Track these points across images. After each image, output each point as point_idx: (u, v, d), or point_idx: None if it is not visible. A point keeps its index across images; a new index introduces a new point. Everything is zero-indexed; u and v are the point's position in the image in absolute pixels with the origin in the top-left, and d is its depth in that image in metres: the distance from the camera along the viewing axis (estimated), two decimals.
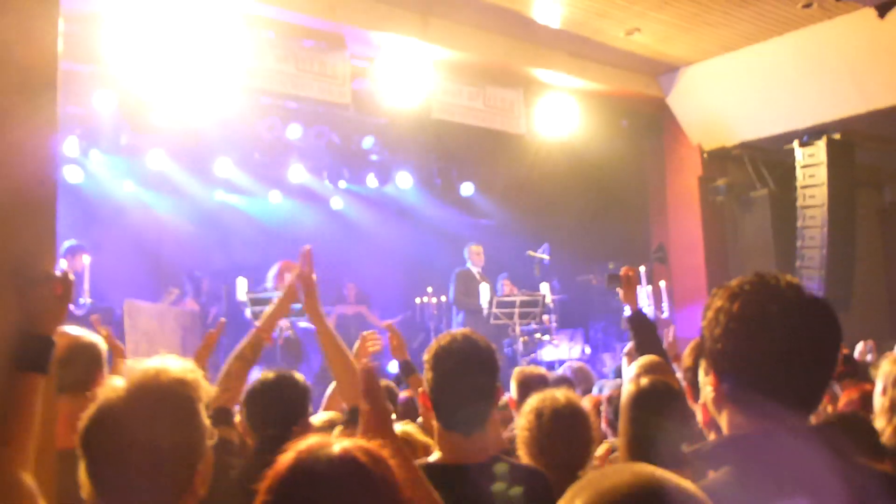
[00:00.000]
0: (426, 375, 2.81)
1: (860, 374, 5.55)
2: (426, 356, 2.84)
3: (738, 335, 1.79)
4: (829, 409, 4.84)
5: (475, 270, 11.92)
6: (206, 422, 1.97)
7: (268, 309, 3.69)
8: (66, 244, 9.63)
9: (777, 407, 1.75)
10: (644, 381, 3.41)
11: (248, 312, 10.73)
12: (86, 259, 9.35)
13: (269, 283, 10.75)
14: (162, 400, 1.87)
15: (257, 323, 3.63)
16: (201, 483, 1.91)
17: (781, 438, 1.72)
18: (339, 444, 1.53)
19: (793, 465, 1.67)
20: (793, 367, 1.76)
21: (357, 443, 1.55)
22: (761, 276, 1.85)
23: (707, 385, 1.89)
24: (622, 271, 4.92)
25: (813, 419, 1.86)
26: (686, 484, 1.28)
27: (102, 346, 3.01)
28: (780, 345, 1.75)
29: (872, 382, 4.69)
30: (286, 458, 1.52)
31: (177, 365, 1.96)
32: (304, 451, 1.52)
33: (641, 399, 3.31)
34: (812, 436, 1.75)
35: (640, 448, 3.16)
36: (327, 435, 1.63)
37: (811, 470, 1.64)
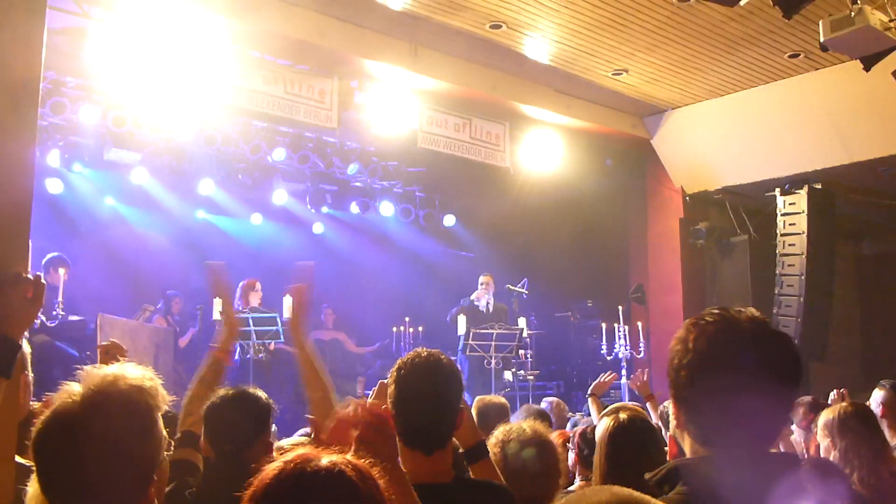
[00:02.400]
0: (389, 391, 2.80)
1: None
2: (390, 372, 2.84)
3: (694, 367, 1.84)
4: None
5: (483, 301, 11.83)
6: (163, 431, 1.92)
7: (217, 330, 3.63)
8: (48, 256, 9.56)
9: (734, 433, 1.79)
10: (623, 415, 3.40)
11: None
12: (61, 271, 9.27)
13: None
14: (119, 407, 1.81)
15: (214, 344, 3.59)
16: (156, 493, 1.86)
17: (732, 464, 1.75)
18: (326, 457, 1.48)
19: (741, 489, 1.70)
20: (741, 400, 1.78)
21: (345, 458, 1.50)
22: (724, 309, 1.89)
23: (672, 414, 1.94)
24: None
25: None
26: None
27: (25, 348, 2.92)
28: (730, 378, 1.80)
29: None
30: (272, 467, 1.47)
31: (135, 372, 1.91)
32: (290, 461, 1.46)
33: (619, 434, 3.29)
34: (763, 463, 1.79)
35: (614, 483, 3.14)
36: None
37: (758, 496, 1.68)
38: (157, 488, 1.88)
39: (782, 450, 4.52)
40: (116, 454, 1.77)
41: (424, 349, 2.89)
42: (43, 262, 9.47)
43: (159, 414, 1.90)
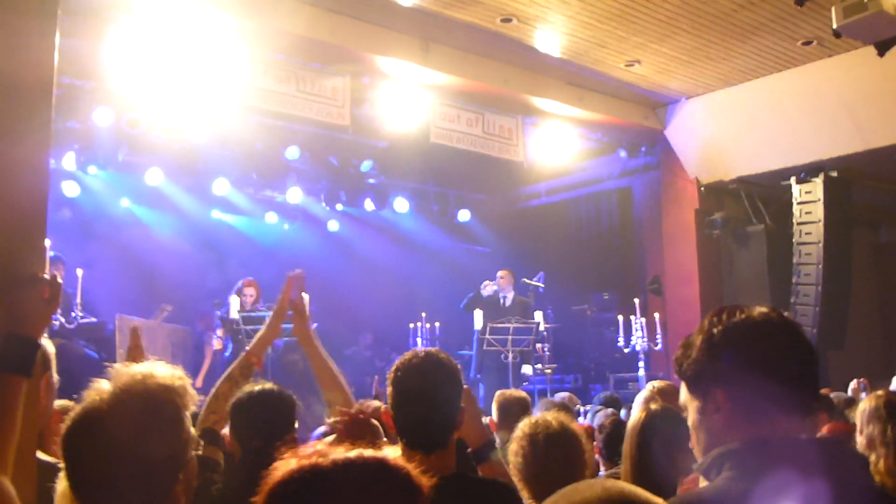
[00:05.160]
0: (388, 392, 2.80)
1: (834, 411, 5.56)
2: (389, 373, 2.83)
3: (734, 340, 1.89)
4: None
5: (501, 295, 11.81)
6: (191, 430, 1.93)
7: (259, 332, 3.66)
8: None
9: (771, 416, 1.84)
10: (654, 406, 3.39)
11: (219, 332, 10.70)
12: (79, 272, 9.33)
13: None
14: (147, 405, 1.83)
15: (248, 346, 3.62)
16: (183, 492, 1.87)
17: (777, 445, 1.80)
18: (339, 453, 1.42)
19: (789, 470, 1.71)
20: (785, 372, 1.86)
21: (363, 452, 1.44)
22: (735, 305, 1.97)
23: (693, 409, 1.96)
24: None
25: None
26: (656, 500, 1.28)
27: (49, 349, 2.94)
28: (772, 349, 1.87)
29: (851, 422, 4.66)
30: (284, 465, 1.41)
31: (164, 371, 1.92)
32: (302, 458, 1.41)
33: (650, 425, 3.28)
34: (807, 444, 1.84)
35: (644, 473, 3.14)
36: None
37: (806, 475, 1.70)
38: (185, 487, 1.88)
39: None
40: (141, 452, 1.79)
41: (423, 349, 2.89)
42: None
43: (187, 413, 1.91)
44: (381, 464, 1.42)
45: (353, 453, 1.42)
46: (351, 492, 1.37)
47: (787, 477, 1.70)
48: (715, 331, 1.91)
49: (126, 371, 1.91)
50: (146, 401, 1.84)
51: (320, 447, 1.45)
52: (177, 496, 1.85)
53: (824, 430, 4.61)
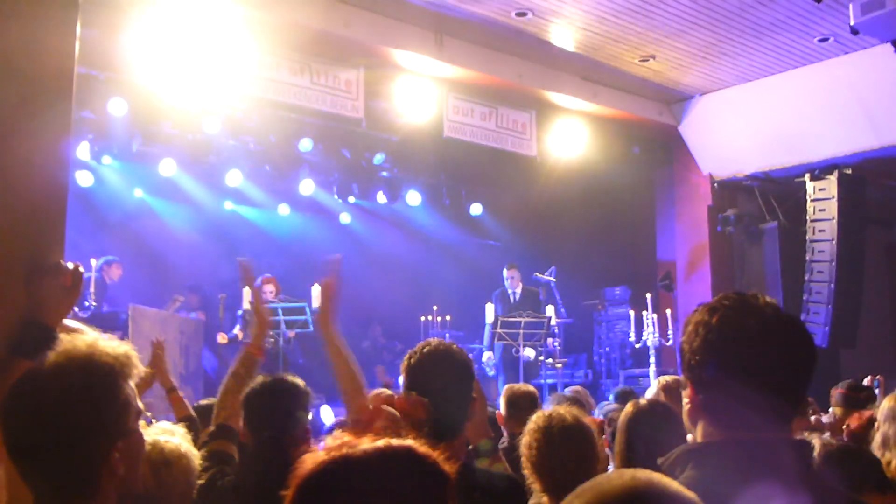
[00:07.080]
0: (401, 381, 2.84)
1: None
2: (403, 362, 2.88)
3: (717, 347, 1.82)
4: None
5: (510, 292, 11.86)
6: (134, 401, 1.90)
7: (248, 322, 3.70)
8: (103, 259, 9.91)
9: (750, 417, 1.78)
10: (642, 401, 3.39)
11: (236, 329, 10.74)
12: (92, 262, 9.41)
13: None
14: (82, 371, 1.81)
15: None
16: (123, 463, 1.83)
17: (742, 449, 1.76)
18: (368, 442, 1.44)
19: (753, 472, 1.70)
20: (768, 379, 1.80)
21: (390, 440, 1.46)
22: (741, 293, 1.90)
23: (685, 398, 1.93)
24: None
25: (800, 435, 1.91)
26: (684, 490, 1.28)
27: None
28: (757, 357, 1.80)
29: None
30: (314, 457, 1.42)
31: (110, 343, 1.90)
32: (334, 448, 1.42)
33: (637, 420, 3.28)
34: (779, 447, 1.79)
35: (634, 467, 3.12)
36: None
37: (771, 479, 1.68)
38: (126, 459, 1.85)
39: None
40: (71, 416, 1.78)
41: (435, 340, 2.93)
42: (98, 264, 9.78)
43: (130, 382, 1.88)
44: (409, 452, 1.44)
45: (381, 442, 1.44)
46: (381, 480, 1.39)
47: (749, 479, 1.67)
48: (701, 330, 1.85)
49: (70, 340, 1.90)
50: (81, 365, 1.82)
51: (346, 439, 1.46)
52: (113, 464, 1.82)
53: (861, 417, 4.58)
